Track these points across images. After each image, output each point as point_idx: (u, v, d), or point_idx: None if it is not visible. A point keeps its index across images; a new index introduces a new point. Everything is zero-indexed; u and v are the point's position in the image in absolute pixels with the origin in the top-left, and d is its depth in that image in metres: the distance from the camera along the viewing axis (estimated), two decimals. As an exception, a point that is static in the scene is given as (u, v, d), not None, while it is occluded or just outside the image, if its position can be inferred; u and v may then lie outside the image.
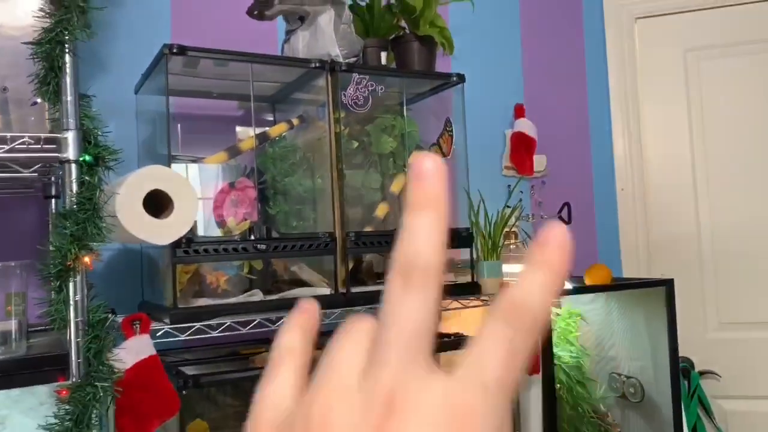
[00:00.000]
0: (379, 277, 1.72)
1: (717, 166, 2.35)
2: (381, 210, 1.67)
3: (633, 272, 2.38)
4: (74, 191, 1.07)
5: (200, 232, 1.52)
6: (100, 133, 1.11)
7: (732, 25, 2.34)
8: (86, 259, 1.05)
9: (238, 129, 1.75)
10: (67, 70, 1.07)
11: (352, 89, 1.49)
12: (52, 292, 1.10)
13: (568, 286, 1.87)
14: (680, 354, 1.94)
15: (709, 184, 2.36)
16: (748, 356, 2.29)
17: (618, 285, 1.97)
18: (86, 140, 1.09)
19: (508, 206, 1.84)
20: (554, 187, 2.32)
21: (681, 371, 2.01)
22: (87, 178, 1.06)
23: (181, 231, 1.17)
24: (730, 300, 2.32)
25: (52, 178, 1.38)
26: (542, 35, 2.40)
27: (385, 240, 1.56)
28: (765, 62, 2.31)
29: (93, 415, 1.05)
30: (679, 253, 2.37)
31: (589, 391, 1.95)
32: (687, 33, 2.39)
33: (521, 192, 2.23)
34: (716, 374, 2.30)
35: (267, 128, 1.61)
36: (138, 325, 1.22)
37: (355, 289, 1.52)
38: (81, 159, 1.07)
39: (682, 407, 1.93)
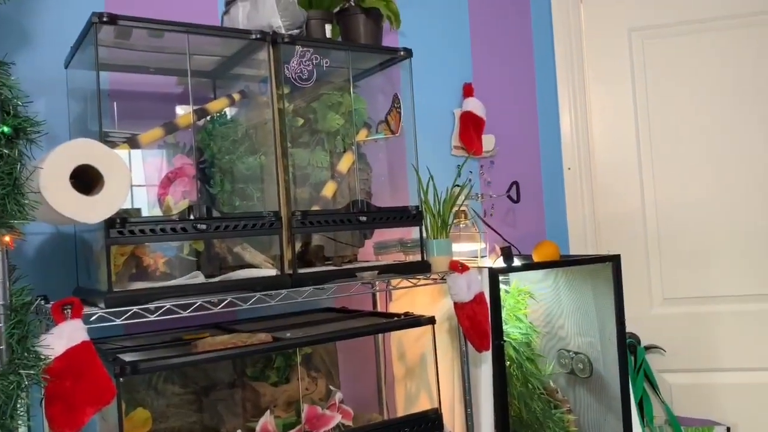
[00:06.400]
0: (328, 259, 1.68)
1: (661, 145, 2.39)
2: (328, 189, 1.63)
3: (580, 250, 2.41)
4: (-8, 165, 0.99)
5: (144, 214, 1.44)
6: (20, 103, 1.04)
7: (676, 5, 2.37)
8: (6, 238, 0.98)
9: (179, 109, 1.68)
10: (-19, 35, 0.99)
11: (295, 62, 1.44)
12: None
13: (517, 263, 1.87)
14: (627, 330, 1.96)
15: (654, 163, 2.39)
16: (691, 330, 2.35)
17: (566, 261, 1.98)
18: (4, 111, 1.01)
19: (458, 185, 1.82)
20: (503, 166, 2.32)
21: (627, 346, 2.04)
22: (6, 150, 0.99)
23: (111, 209, 1.10)
24: (674, 276, 2.37)
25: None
26: (490, 14, 2.39)
27: (332, 219, 1.52)
28: (708, 42, 2.35)
29: (18, 405, 0.98)
30: (625, 231, 2.41)
31: (539, 367, 1.96)
32: (631, 13, 2.41)
33: (470, 172, 2.22)
34: (661, 349, 2.35)
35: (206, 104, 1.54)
36: (69, 310, 1.15)
37: (302, 271, 1.48)
38: (-1, 131, 1.00)
39: (630, 382, 1.96)
